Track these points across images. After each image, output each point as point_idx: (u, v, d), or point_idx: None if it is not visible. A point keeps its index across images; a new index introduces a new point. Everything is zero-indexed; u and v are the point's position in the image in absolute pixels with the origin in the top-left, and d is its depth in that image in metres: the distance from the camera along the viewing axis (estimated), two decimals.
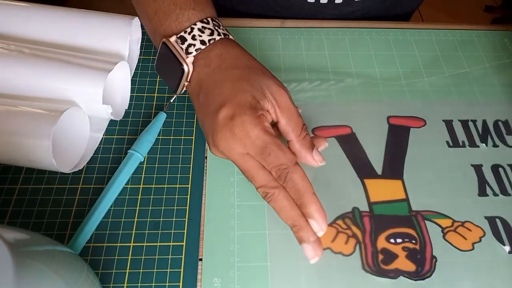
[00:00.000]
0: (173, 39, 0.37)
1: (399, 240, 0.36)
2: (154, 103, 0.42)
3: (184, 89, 0.39)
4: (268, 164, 0.32)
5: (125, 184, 0.37)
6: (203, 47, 0.37)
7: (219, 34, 0.37)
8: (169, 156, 0.39)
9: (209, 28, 0.37)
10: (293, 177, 0.32)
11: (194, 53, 0.37)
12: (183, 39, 0.37)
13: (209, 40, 0.37)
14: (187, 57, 0.37)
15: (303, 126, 0.35)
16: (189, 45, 0.37)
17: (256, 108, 0.33)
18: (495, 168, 0.40)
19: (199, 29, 0.37)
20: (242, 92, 0.34)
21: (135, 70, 0.45)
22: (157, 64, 0.40)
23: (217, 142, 0.33)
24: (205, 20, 0.38)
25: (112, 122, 0.41)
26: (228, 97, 0.34)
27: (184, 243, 0.35)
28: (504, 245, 0.36)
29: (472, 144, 0.42)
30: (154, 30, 0.40)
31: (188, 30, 0.37)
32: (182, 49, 0.37)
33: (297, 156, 0.35)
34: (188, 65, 0.37)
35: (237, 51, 0.37)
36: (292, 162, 0.32)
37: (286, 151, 0.32)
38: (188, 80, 0.38)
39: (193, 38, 0.37)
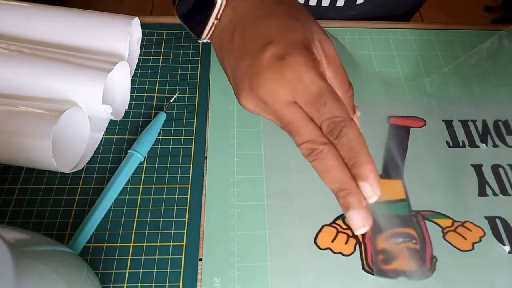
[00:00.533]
0: None
1: (399, 240, 0.36)
2: (154, 103, 0.42)
3: (211, 32, 0.33)
4: (322, 115, 0.27)
5: (125, 184, 0.37)
6: None
7: None
8: (169, 156, 0.39)
9: None
10: (348, 132, 0.27)
11: None
12: None
13: None
14: None
15: (350, 83, 0.31)
16: None
17: (310, 49, 0.29)
18: (495, 168, 0.40)
19: None
20: (294, 30, 0.29)
21: (135, 70, 0.45)
22: (182, 3, 0.34)
23: (257, 86, 0.28)
24: None
25: (112, 122, 0.41)
26: (277, 34, 0.29)
27: (184, 243, 0.35)
28: (504, 245, 0.36)
29: (472, 144, 0.42)
30: None
31: None
32: None
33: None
34: None
35: None
36: (348, 116, 0.27)
37: (342, 103, 0.28)
38: (219, 17, 0.32)
39: None
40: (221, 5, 0.31)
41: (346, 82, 0.31)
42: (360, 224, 0.26)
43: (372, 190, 0.26)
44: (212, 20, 0.32)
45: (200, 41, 0.34)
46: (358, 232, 0.27)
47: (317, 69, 0.28)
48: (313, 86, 0.27)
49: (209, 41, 0.34)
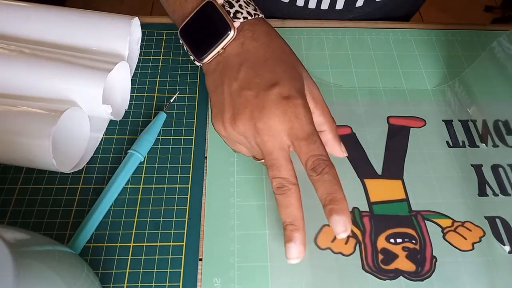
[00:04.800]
0: (220, 1, 0.36)
1: (399, 240, 0.36)
2: (154, 103, 0.42)
3: (213, 58, 0.36)
4: (310, 150, 0.31)
5: (125, 184, 0.37)
6: (249, 17, 0.36)
7: (261, 13, 0.37)
8: (169, 156, 0.39)
9: (252, 4, 0.37)
10: (330, 171, 0.31)
11: (242, 20, 0.35)
12: (231, 5, 0.36)
13: (254, 14, 0.36)
14: (234, 21, 0.35)
15: (333, 118, 0.36)
16: (237, 11, 0.35)
17: (305, 97, 0.33)
18: (495, 168, 0.40)
19: (244, 1, 0.36)
20: (295, 79, 0.34)
21: (135, 70, 0.45)
22: (189, 25, 0.37)
23: (260, 116, 0.32)
24: None
25: (112, 122, 0.41)
26: (283, 78, 0.33)
27: (184, 243, 0.35)
28: (504, 245, 0.36)
29: (472, 144, 0.42)
30: None
31: None
32: (229, 12, 0.35)
33: (327, 145, 0.35)
34: (233, 29, 0.35)
35: (279, 35, 0.37)
36: (328, 158, 0.32)
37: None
38: (225, 47, 0.35)
39: (240, 7, 0.36)
40: (233, 36, 0.35)
41: (331, 118, 0.36)
42: (295, 255, 0.31)
43: (343, 225, 0.30)
44: (219, 48, 0.35)
45: (196, 63, 0.37)
46: (292, 262, 0.31)
47: (311, 114, 0.33)
48: (308, 126, 0.32)
49: (200, 64, 0.37)
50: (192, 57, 0.37)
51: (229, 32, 0.35)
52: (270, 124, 0.32)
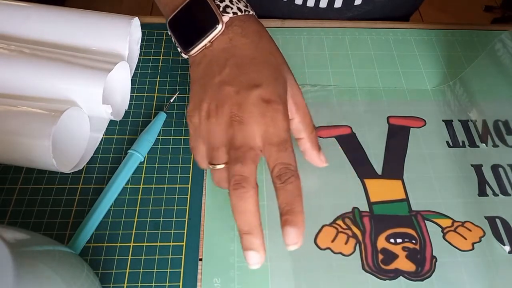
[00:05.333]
0: None
1: (399, 240, 0.36)
2: (154, 103, 0.42)
3: (199, 50, 0.36)
4: (278, 158, 0.31)
5: (125, 184, 0.37)
6: (239, 13, 0.35)
7: (252, 10, 0.37)
8: (169, 156, 0.39)
9: (243, 1, 0.36)
10: (295, 181, 0.31)
11: (231, 15, 0.35)
12: None
13: (244, 10, 0.36)
14: (223, 15, 0.35)
15: (314, 125, 0.36)
16: (227, 6, 0.35)
17: (286, 103, 0.33)
18: (495, 168, 0.40)
19: None
20: (279, 83, 0.34)
21: (135, 70, 0.45)
22: (177, 17, 0.37)
23: (235, 115, 0.32)
24: None
25: (112, 122, 0.41)
26: (266, 80, 0.33)
27: (184, 243, 0.35)
28: (504, 245, 0.36)
29: (472, 144, 0.42)
30: None
31: None
32: (219, 6, 0.35)
33: (305, 154, 0.35)
34: (221, 23, 0.34)
35: (268, 35, 0.37)
36: (296, 168, 0.31)
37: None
38: (212, 41, 0.35)
39: (231, 1, 0.35)
40: (220, 30, 0.35)
41: (311, 125, 0.36)
42: (256, 261, 0.30)
43: (295, 237, 0.30)
44: (206, 41, 0.35)
45: (182, 55, 0.37)
46: (252, 267, 0.30)
47: (288, 121, 0.32)
48: (283, 133, 0.31)
49: (187, 56, 0.37)
50: (179, 49, 0.37)
51: (217, 26, 0.34)
52: (246, 123, 0.31)
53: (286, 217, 0.30)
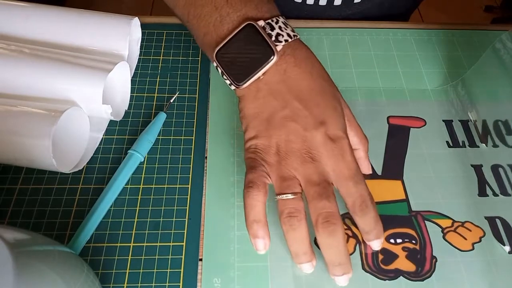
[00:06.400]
0: (261, 23, 0.33)
1: (399, 240, 0.36)
2: (154, 103, 0.42)
3: (252, 83, 0.34)
4: (356, 192, 0.32)
5: (125, 184, 0.37)
6: (289, 40, 0.34)
7: (297, 33, 0.35)
8: (169, 156, 0.39)
9: (289, 24, 0.35)
10: (374, 209, 0.33)
11: (283, 43, 0.34)
12: (272, 27, 0.34)
13: (293, 36, 0.34)
14: (277, 45, 0.33)
15: (366, 137, 0.37)
16: (278, 34, 0.34)
17: (347, 136, 0.34)
18: (495, 168, 0.40)
19: (283, 22, 0.34)
20: (339, 113, 0.34)
21: (135, 70, 0.45)
22: (226, 47, 0.34)
23: (306, 159, 0.33)
24: (283, 16, 0.35)
25: (112, 122, 0.41)
26: (330, 116, 0.33)
27: (184, 243, 0.35)
28: (504, 245, 0.36)
29: (472, 144, 0.42)
30: (221, 18, 0.35)
31: (274, 20, 0.34)
32: (271, 35, 0.33)
33: (358, 161, 0.36)
34: (278, 55, 0.33)
35: (316, 59, 0.36)
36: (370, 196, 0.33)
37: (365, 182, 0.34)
38: (264, 73, 0.34)
39: (280, 29, 0.34)
40: (274, 62, 0.34)
41: (364, 137, 0.37)
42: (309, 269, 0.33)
43: (377, 246, 0.35)
44: (260, 74, 0.34)
45: (231, 87, 0.35)
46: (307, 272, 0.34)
47: (353, 155, 0.33)
48: (352, 165, 0.33)
49: (236, 88, 0.35)
50: (228, 82, 0.35)
51: (272, 57, 0.33)
52: (318, 160, 0.32)
53: (369, 236, 0.34)
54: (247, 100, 0.35)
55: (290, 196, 0.32)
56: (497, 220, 0.37)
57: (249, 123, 0.35)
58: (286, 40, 0.34)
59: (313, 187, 0.32)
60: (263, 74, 0.34)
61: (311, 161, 0.33)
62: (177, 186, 0.38)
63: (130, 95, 0.42)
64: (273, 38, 0.33)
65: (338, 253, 0.32)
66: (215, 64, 0.35)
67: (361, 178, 0.33)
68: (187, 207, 0.37)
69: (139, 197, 0.37)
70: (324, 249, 0.32)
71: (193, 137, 0.41)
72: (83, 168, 0.38)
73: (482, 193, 0.39)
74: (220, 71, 0.35)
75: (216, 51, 0.34)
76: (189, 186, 0.38)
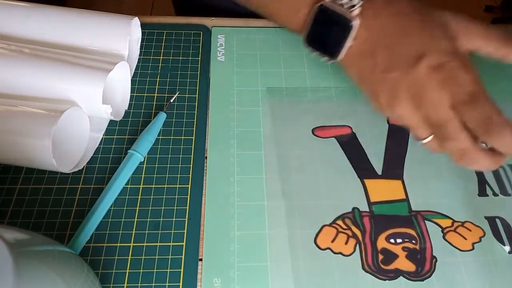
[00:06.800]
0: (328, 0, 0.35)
1: (399, 240, 0.36)
2: (154, 103, 0.42)
3: (346, 52, 0.36)
4: (473, 117, 0.30)
5: (125, 184, 0.37)
6: (361, 2, 0.35)
7: None
8: (169, 156, 0.39)
9: None
10: (504, 128, 0.29)
11: (358, 5, 0.34)
12: None
13: None
14: (352, 11, 0.34)
15: (502, 34, 0.33)
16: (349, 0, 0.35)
17: (457, 53, 0.31)
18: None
19: None
20: (438, 36, 0.32)
21: (135, 70, 0.45)
22: (311, 32, 0.37)
23: (415, 99, 0.31)
24: None
25: (112, 122, 0.41)
26: (424, 45, 0.32)
27: (184, 243, 0.35)
28: (504, 245, 0.36)
29: None
30: (295, 4, 0.37)
31: None
32: (342, 5, 0.35)
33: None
34: (355, 20, 0.34)
35: None
36: (497, 112, 0.30)
37: (492, 101, 0.30)
38: (355, 38, 0.35)
39: None
40: (356, 26, 0.34)
41: (501, 37, 0.33)
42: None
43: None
44: (350, 41, 0.35)
45: (330, 62, 0.37)
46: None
47: (470, 70, 0.31)
48: (468, 87, 0.30)
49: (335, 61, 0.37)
50: (325, 59, 0.38)
51: (352, 24, 0.34)
52: (429, 99, 0.31)
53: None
54: (347, 68, 0.37)
55: (424, 140, 0.33)
56: (497, 220, 0.37)
57: (360, 88, 0.37)
58: (358, 2, 0.34)
59: (434, 129, 0.31)
60: (353, 40, 0.35)
61: (423, 104, 0.31)
62: (177, 186, 0.38)
63: (130, 95, 0.42)
64: (347, 6, 0.34)
65: (491, 164, 0.31)
66: (309, 50, 0.39)
67: (479, 98, 0.30)
68: (187, 207, 0.37)
69: (139, 197, 0.37)
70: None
71: (193, 137, 0.41)
72: (83, 168, 0.38)
73: (482, 193, 0.39)
74: (314, 53, 0.38)
75: (303, 39, 0.38)
76: (189, 186, 0.38)
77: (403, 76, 0.32)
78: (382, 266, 0.35)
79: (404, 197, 0.38)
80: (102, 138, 0.40)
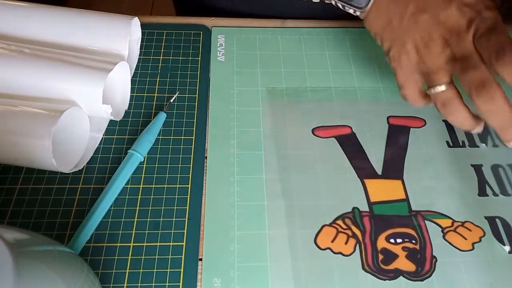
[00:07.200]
0: None
1: (399, 240, 0.36)
2: (154, 103, 0.42)
3: (370, 4, 0.37)
4: (489, 45, 0.31)
5: (125, 184, 0.37)
6: None
7: None
8: (169, 156, 0.39)
9: None
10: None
11: None
12: None
13: None
14: None
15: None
16: None
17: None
18: (495, 168, 0.40)
19: None
20: None
21: (135, 70, 0.45)
22: None
23: (449, 34, 0.33)
24: None
25: (112, 122, 0.41)
26: None
27: (184, 243, 0.35)
28: (504, 245, 0.36)
29: (472, 144, 0.42)
30: None
31: None
32: None
33: None
34: None
35: None
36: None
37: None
38: None
39: None
40: None
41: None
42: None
43: None
44: None
45: (359, 13, 0.39)
46: None
47: (493, 10, 0.33)
48: (491, 20, 0.32)
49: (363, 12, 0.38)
50: (353, 11, 0.39)
51: None
52: (461, 32, 0.32)
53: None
54: (376, 18, 0.38)
55: (438, 88, 0.34)
56: (497, 220, 0.37)
57: (382, 37, 0.37)
58: None
59: (456, 65, 0.32)
60: None
61: (454, 41, 0.33)
62: (177, 186, 0.38)
63: (130, 95, 0.42)
64: None
65: (504, 117, 0.32)
66: (337, 5, 0.40)
67: (500, 28, 0.32)
68: (187, 207, 0.37)
69: (139, 197, 0.37)
70: (487, 117, 0.32)
71: (193, 137, 0.41)
72: (83, 168, 0.38)
73: (482, 193, 0.39)
74: (341, 6, 0.40)
75: None
76: (189, 186, 0.38)
77: (435, 17, 0.33)
78: (382, 266, 0.35)
79: (404, 197, 0.38)
80: (102, 138, 0.40)
